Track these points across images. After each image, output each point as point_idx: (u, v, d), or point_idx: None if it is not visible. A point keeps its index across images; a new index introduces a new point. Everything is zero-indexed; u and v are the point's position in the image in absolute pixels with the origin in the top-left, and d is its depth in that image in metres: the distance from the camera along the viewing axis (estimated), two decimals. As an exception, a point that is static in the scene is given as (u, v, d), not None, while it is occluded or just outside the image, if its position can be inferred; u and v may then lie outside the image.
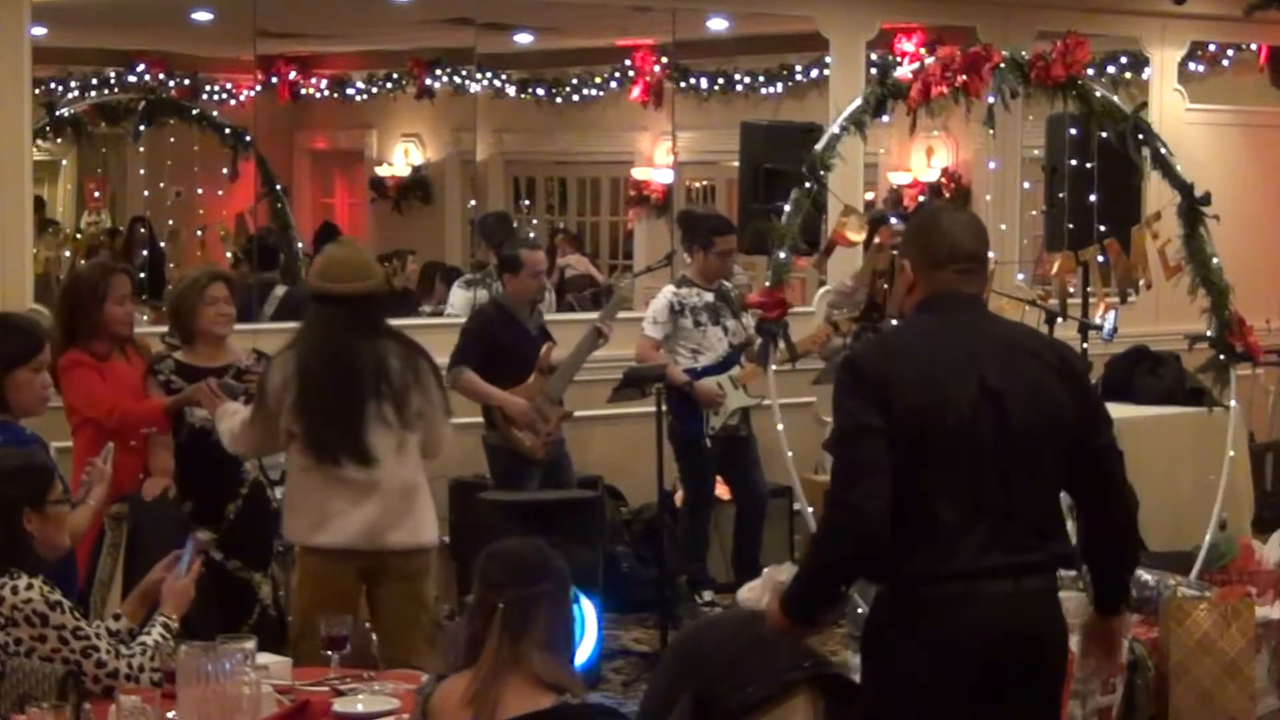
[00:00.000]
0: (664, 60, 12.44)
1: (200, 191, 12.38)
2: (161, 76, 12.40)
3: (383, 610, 5.71)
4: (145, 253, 11.93)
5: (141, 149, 12.11)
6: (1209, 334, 7.43)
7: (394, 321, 5.98)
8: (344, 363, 5.59)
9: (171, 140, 11.97)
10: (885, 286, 7.04)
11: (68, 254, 12.28)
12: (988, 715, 3.85)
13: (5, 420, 5.24)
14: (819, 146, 6.83)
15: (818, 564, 3.98)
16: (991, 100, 6.89)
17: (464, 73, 12.93)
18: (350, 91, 13.90)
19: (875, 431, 3.90)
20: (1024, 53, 7.03)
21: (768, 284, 6.77)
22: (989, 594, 3.85)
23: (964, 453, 3.91)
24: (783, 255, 6.64)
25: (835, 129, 6.86)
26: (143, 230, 12.23)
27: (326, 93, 13.96)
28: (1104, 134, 7.49)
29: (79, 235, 12.58)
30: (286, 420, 5.62)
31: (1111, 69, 11.62)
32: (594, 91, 13.38)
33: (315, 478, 5.63)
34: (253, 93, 12.22)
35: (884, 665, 3.88)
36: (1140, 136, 7.22)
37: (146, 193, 12.69)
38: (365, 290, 5.67)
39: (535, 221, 14.08)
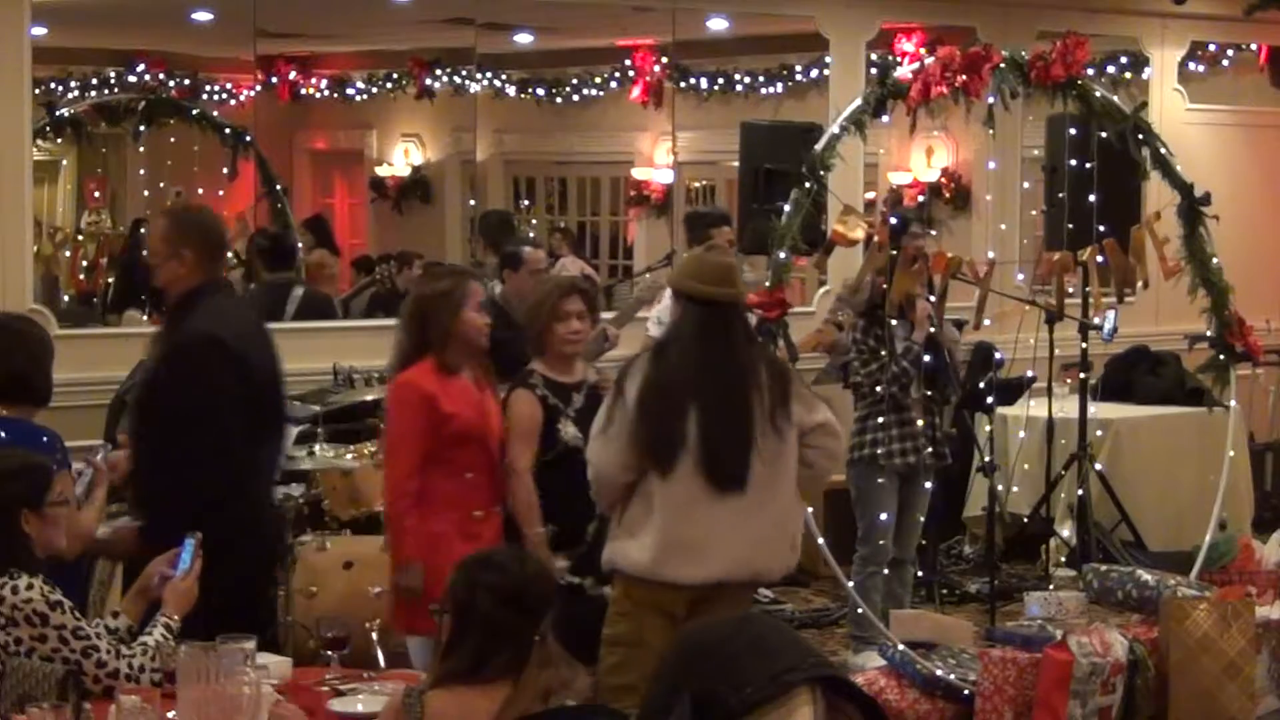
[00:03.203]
0: (664, 60, 12.44)
1: (200, 191, 12.35)
2: (161, 76, 12.40)
3: None
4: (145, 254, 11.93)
5: (141, 149, 12.11)
6: (1209, 334, 7.43)
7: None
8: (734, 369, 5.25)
9: (171, 140, 11.97)
10: (884, 286, 7.05)
11: (67, 254, 12.28)
12: None
13: (17, 417, 5.21)
14: (819, 146, 6.81)
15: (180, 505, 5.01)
16: (991, 100, 6.88)
17: (464, 73, 12.93)
18: (350, 91, 13.89)
19: (236, 402, 5.12)
20: (1024, 53, 7.02)
21: (767, 284, 6.76)
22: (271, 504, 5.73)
23: (269, 406, 5.39)
24: (783, 255, 6.63)
25: (835, 129, 6.85)
26: (144, 232, 12.23)
27: (326, 93, 13.96)
28: (1104, 134, 7.48)
29: (79, 235, 12.58)
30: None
31: (1111, 69, 11.62)
32: (594, 91, 13.38)
33: (676, 497, 5.20)
34: (253, 93, 12.22)
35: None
36: (1140, 136, 7.22)
37: (146, 193, 12.68)
38: (736, 297, 5.34)
39: (535, 221, 14.07)
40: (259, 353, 5.33)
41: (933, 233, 7.95)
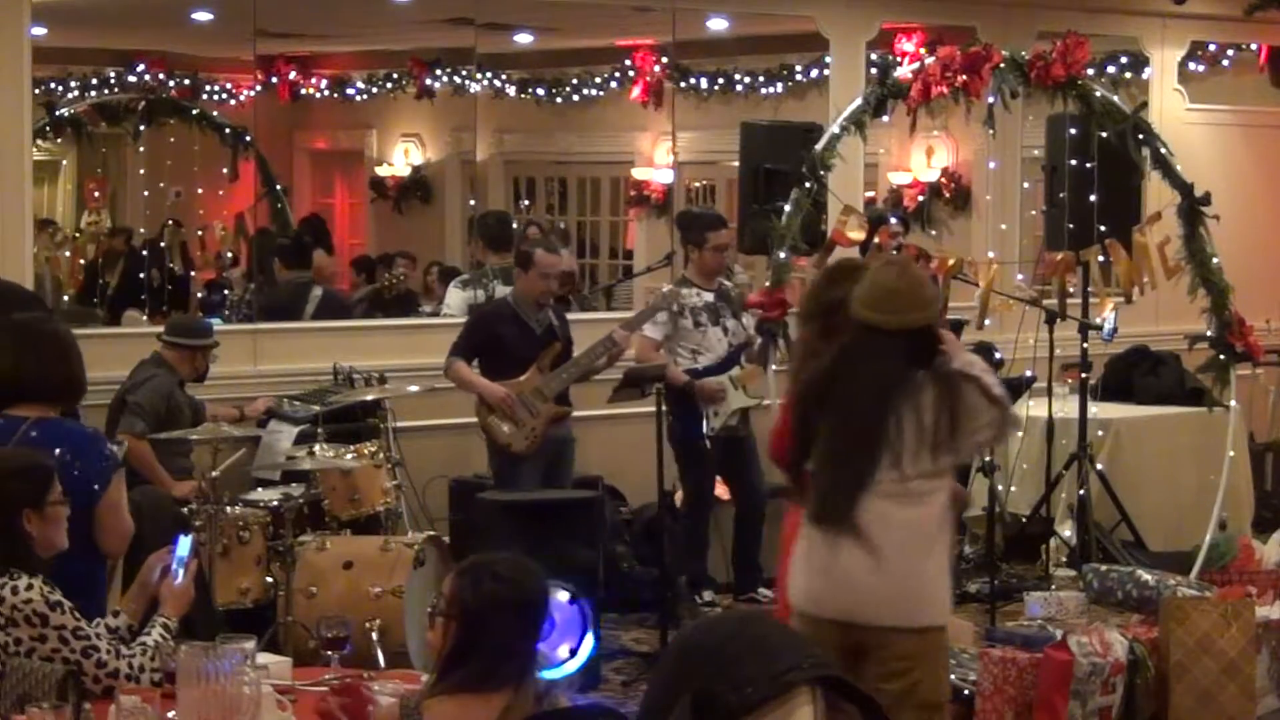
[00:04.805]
0: (664, 60, 12.44)
1: (200, 191, 12.37)
2: (161, 76, 12.40)
3: None
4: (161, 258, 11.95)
5: (141, 149, 12.12)
6: (1209, 334, 7.45)
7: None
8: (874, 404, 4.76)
9: (171, 140, 11.98)
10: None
11: (67, 254, 12.27)
12: None
13: (54, 417, 5.11)
14: (819, 146, 6.84)
15: None
16: (991, 100, 6.91)
17: (464, 73, 12.93)
18: (350, 91, 13.90)
19: None
20: (1024, 53, 7.04)
21: (768, 284, 6.77)
22: None
23: None
24: (783, 255, 6.64)
25: (835, 129, 6.87)
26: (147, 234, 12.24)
27: (326, 93, 13.97)
28: (1104, 134, 7.50)
29: (79, 235, 12.58)
30: None
31: (1111, 69, 11.62)
32: (594, 91, 13.38)
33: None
34: (253, 93, 12.21)
35: None
36: (1140, 136, 7.24)
37: (146, 193, 12.69)
38: (914, 324, 4.79)
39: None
40: None
41: (898, 225, 7.84)
